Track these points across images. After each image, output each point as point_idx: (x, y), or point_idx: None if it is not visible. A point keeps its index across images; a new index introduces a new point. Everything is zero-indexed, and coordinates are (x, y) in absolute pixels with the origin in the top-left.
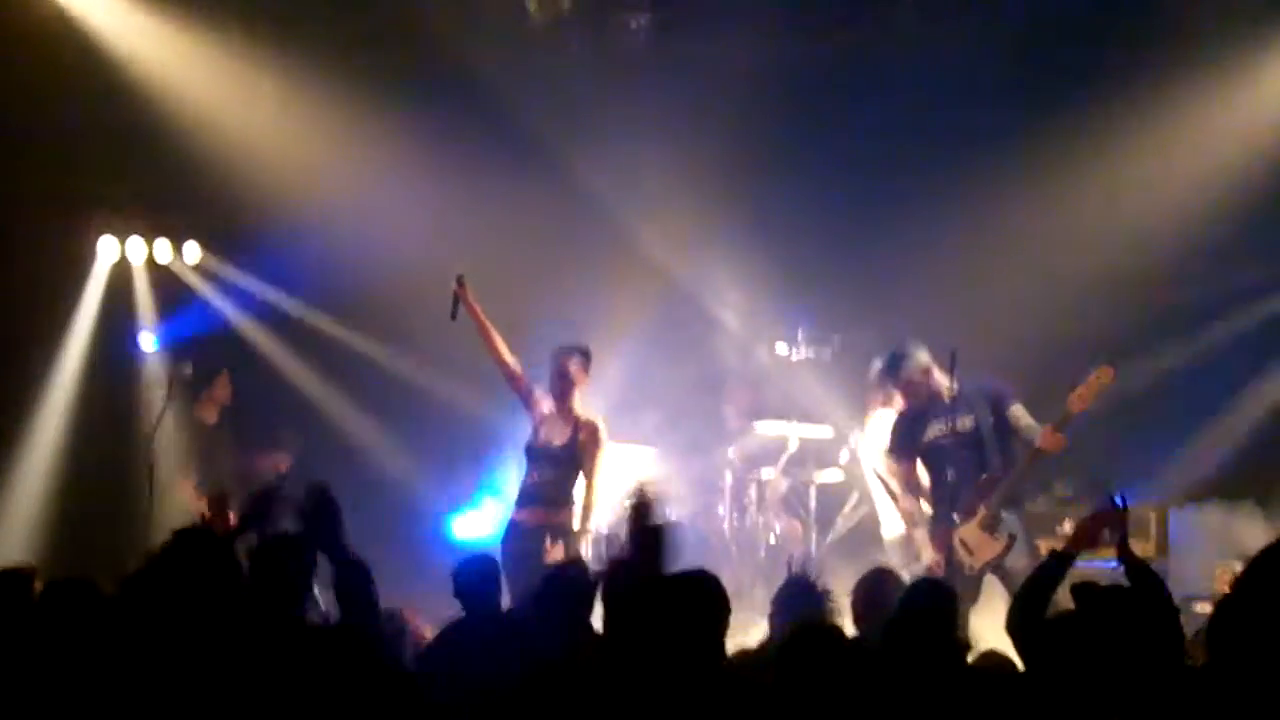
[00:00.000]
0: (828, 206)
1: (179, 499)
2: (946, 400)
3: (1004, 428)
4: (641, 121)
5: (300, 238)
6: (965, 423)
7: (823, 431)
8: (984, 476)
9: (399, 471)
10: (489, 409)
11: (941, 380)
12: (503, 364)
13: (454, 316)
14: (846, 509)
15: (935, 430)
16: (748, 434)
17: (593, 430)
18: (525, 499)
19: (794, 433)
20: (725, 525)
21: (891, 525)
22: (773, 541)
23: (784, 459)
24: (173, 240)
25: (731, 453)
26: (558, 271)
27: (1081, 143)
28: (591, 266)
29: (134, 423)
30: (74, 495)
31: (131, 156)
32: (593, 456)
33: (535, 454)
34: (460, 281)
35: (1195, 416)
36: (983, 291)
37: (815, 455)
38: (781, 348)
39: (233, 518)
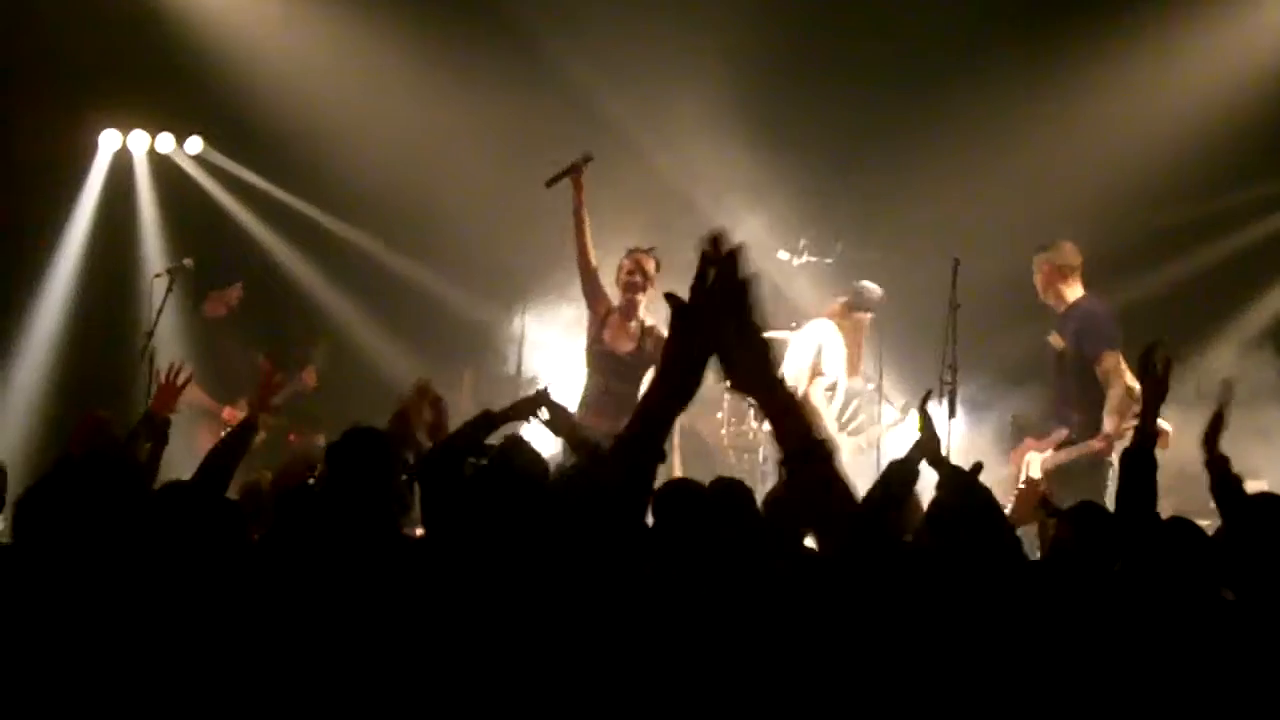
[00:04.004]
0: (834, 118)
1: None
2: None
3: None
4: (645, 24)
5: (303, 134)
6: None
7: None
8: None
9: (387, 361)
10: (488, 310)
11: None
12: (584, 254)
13: (550, 184)
14: (844, 418)
15: None
16: None
17: (661, 342)
18: (595, 407)
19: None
20: (723, 431)
21: None
22: (770, 447)
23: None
24: (175, 134)
25: None
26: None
27: (1081, 61)
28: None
29: (134, 316)
30: (72, 387)
31: (136, 52)
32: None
33: (602, 359)
34: (585, 162)
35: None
36: (982, 207)
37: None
38: (783, 254)
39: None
